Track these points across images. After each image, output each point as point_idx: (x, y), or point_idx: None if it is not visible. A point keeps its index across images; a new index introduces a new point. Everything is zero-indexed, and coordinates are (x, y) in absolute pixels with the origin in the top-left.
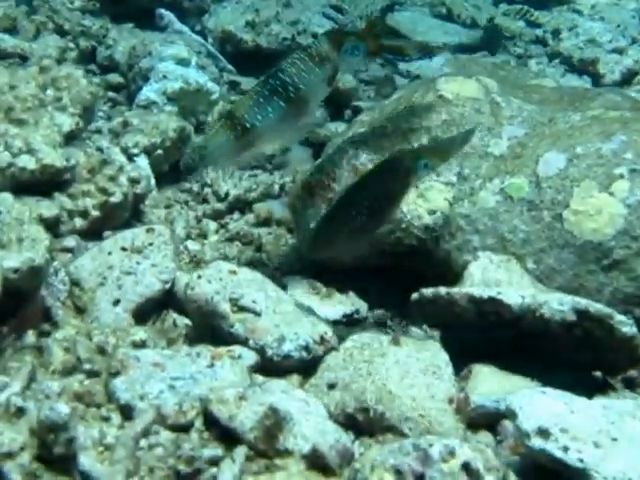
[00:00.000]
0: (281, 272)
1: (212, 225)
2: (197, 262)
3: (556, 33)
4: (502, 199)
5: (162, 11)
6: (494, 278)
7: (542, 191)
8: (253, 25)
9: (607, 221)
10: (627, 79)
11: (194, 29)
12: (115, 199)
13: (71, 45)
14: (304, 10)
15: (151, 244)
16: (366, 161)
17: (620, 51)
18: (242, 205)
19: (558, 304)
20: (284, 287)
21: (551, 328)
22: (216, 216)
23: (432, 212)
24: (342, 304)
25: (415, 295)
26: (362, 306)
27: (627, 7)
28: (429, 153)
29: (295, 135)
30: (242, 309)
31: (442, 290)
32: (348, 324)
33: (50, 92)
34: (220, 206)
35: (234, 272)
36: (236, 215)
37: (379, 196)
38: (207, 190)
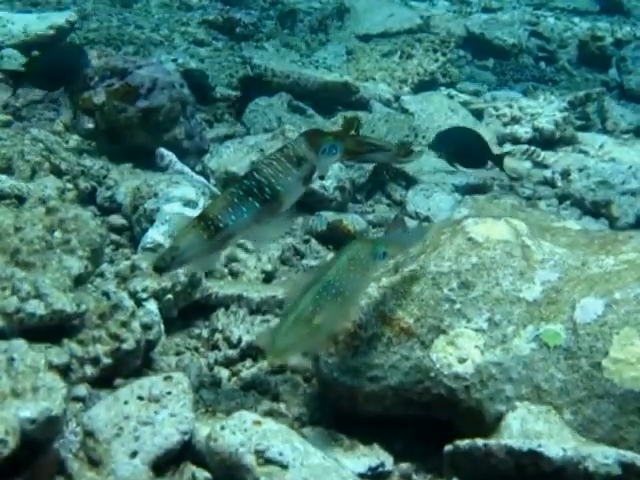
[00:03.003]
0: (300, 423)
1: (224, 373)
2: (213, 412)
3: (565, 174)
4: (537, 347)
5: (163, 151)
6: (534, 430)
7: (580, 338)
8: None
9: None
10: None
11: (194, 169)
12: (128, 346)
13: (69, 186)
14: None
15: (169, 393)
16: (394, 307)
17: (633, 193)
18: (255, 352)
19: (602, 457)
20: (304, 438)
21: None
22: (228, 363)
23: (462, 360)
24: (366, 456)
25: (449, 447)
26: (387, 458)
27: (635, 147)
28: (387, 243)
29: (268, 235)
30: (268, 462)
31: (479, 442)
32: (373, 478)
33: (58, 234)
34: (232, 353)
35: (259, 423)
36: (248, 362)
37: (342, 287)
38: (218, 336)
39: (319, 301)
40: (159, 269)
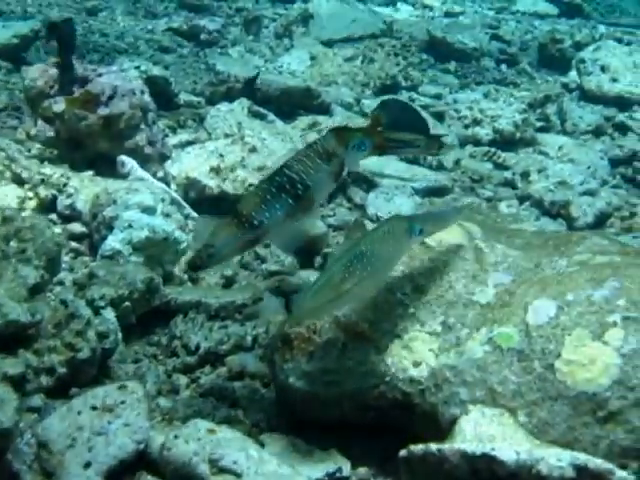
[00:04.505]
0: (258, 429)
1: (183, 380)
2: (170, 420)
3: (525, 175)
4: (490, 349)
5: (124, 158)
6: (487, 433)
7: (532, 340)
8: (218, 171)
9: (601, 371)
10: (600, 222)
11: (156, 175)
12: (83, 355)
13: (30, 194)
14: (270, 155)
15: (123, 402)
16: (349, 312)
17: (592, 193)
18: (213, 358)
19: (556, 460)
20: (262, 445)
21: None
22: (186, 370)
23: (417, 364)
24: (324, 462)
25: (403, 452)
26: (345, 464)
27: (594, 148)
28: (423, 221)
29: (300, 233)
30: (222, 470)
31: (432, 447)
32: None
33: (14, 244)
34: (190, 360)
35: (213, 431)
36: (207, 369)
37: (374, 258)
38: (176, 343)
39: (349, 269)
40: (195, 267)
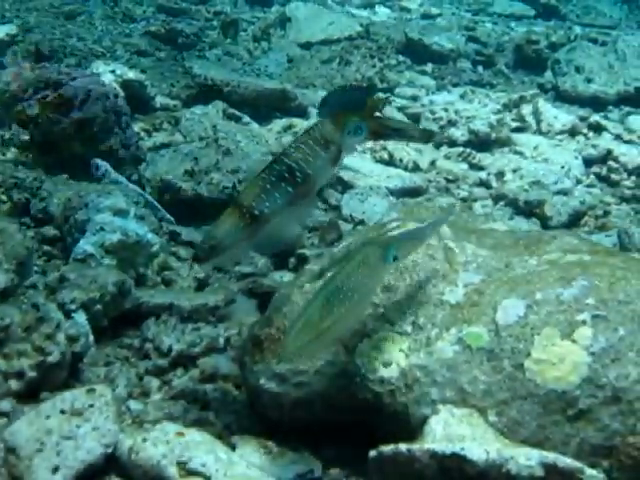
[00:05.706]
0: (229, 431)
1: (155, 382)
2: (140, 423)
3: (500, 175)
4: (460, 349)
5: (98, 161)
6: (456, 433)
7: (502, 340)
8: (192, 174)
9: (571, 369)
10: (574, 221)
11: (131, 178)
12: (52, 359)
13: (4, 198)
14: (244, 158)
15: (92, 406)
16: None
17: (566, 192)
18: (186, 360)
19: (525, 459)
20: (233, 447)
21: None
22: (158, 373)
23: (387, 364)
24: (295, 464)
25: (373, 452)
26: (316, 465)
27: (569, 147)
28: (398, 245)
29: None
30: (191, 473)
31: (402, 447)
32: None
33: None
34: (163, 362)
35: (181, 434)
36: (180, 371)
37: (350, 292)
38: (148, 345)
39: (327, 306)
40: (199, 260)
